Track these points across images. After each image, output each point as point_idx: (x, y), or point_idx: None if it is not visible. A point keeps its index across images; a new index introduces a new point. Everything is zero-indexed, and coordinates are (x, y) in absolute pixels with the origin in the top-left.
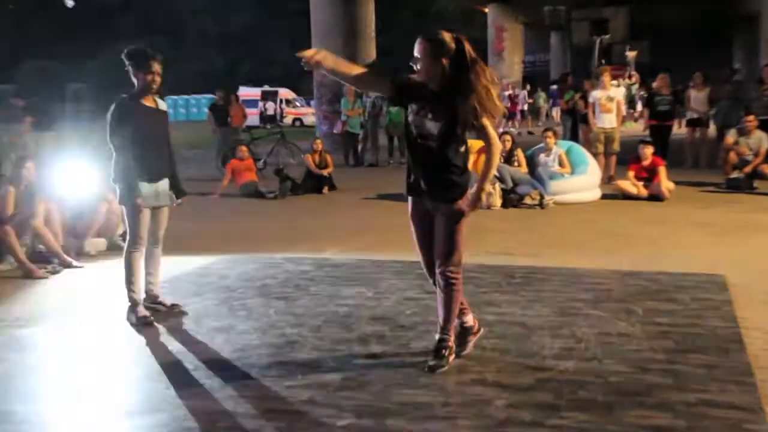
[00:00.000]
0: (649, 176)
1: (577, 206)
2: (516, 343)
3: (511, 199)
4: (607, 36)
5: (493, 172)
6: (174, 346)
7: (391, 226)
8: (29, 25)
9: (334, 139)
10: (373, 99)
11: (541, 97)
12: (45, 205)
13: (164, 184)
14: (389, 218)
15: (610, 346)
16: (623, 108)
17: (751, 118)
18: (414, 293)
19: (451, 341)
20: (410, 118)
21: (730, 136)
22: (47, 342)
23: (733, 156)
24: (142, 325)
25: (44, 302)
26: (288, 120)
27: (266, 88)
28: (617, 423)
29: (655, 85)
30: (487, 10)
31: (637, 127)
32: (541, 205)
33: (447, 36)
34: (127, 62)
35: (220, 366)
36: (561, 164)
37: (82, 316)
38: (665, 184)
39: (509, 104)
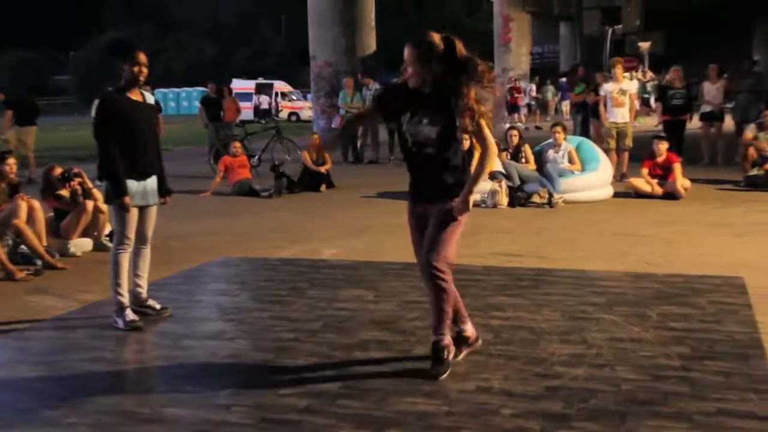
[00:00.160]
0: (663, 174)
1: (588, 205)
2: (523, 349)
3: (519, 197)
4: (620, 26)
5: (485, 176)
6: (163, 352)
7: (391, 225)
8: (7, 14)
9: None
10: (373, 92)
11: (550, 90)
12: (27, 203)
13: (152, 182)
14: (389, 218)
15: (623, 352)
16: (636, 102)
17: None
18: (415, 296)
19: (447, 340)
20: (404, 127)
21: (749, 132)
22: (28, 347)
23: (752, 152)
24: (129, 329)
25: (25, 305)
26: (284, 114)
27: (261, 80)
28: None
29: (667, 77)
30: None
31: (651, 122)
32: (549, 203)
33: (436, 37)
34: (110, 54)
35: (211, 373)
36: (571, 161)
37: (66, 320)
38: (680, 181)
39: (510, 97)
